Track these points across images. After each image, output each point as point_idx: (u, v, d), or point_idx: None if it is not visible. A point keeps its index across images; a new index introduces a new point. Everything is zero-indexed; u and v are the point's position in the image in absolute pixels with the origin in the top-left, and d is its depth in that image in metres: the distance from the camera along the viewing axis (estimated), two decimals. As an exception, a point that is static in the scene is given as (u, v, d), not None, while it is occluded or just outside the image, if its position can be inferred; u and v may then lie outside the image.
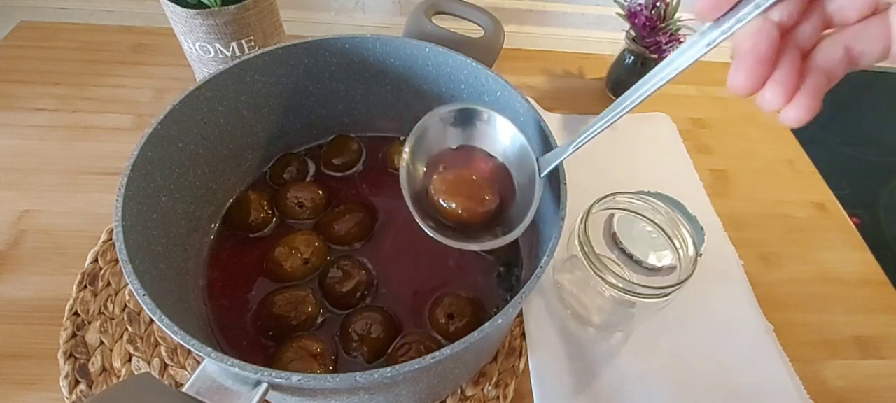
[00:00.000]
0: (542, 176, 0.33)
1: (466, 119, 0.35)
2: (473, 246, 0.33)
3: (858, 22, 0.19)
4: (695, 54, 0.23)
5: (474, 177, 0.35)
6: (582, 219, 0.38)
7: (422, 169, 0.35)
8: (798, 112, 0.20)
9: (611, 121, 0.28)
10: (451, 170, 0.35)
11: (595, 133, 0.29)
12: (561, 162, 0.32)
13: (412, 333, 0.37)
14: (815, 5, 0.20)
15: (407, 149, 0.34)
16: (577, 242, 0.37)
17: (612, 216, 0.42)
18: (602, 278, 0.36)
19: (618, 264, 0.42)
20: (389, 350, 0.36)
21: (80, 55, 0.61)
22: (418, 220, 0.32)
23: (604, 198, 0.39)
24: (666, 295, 0.35)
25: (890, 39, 0.19)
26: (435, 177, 0.34)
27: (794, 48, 0.20)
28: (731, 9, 0.20)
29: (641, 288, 0.35)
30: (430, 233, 0.32)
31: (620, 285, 0.35)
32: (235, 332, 0.37)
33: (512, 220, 0.34)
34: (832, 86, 0.20)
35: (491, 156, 0.35)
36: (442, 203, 0.34)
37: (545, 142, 0.35)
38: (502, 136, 0.35)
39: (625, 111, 0.27)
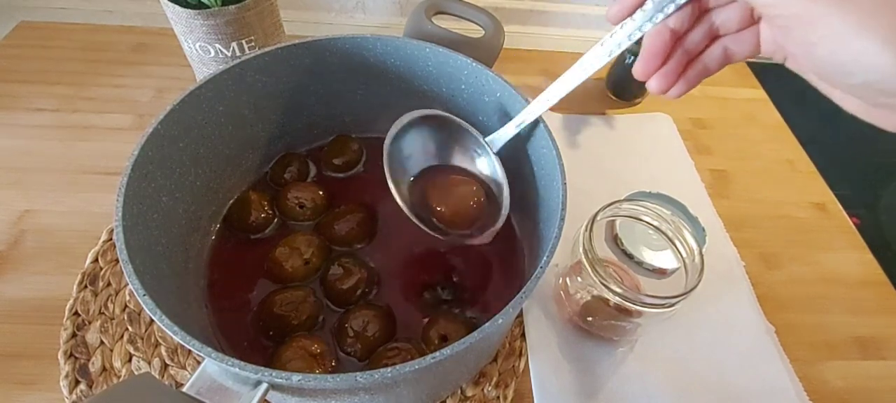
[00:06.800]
0: (494, 152, 0.38)
1: (435, 121, 0.39)
2: (470, 240, 0.37)
3: (737, 31, 0.27)
4: (606, 54, 0.30)
5: (459, 188, 0.40)
6: (587, 227, 0.38)
7: (408, 179, 0.40)
8: (675, 92, 0.29)
9: (535, 113, 0.36)
10: (437, 183, 0.40)
11: (531, 116, 0.36)
12: (507, 140, 0.38)
13: (404, 340, 0.37)
14: (703, 18, 0.27)
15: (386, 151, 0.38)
16: (581, 250, 0.37)
17: (614, 220, 0.42)
18: (607, 287, 0.36)
19: (621, 267, 0.42)
20: (379, 350, 0.36)
21: (80, 55, 0.61)
22: (417, 222, 0.37)
23: (609, 205, 0.39)
24: (672, 305, 0.35)
25: (759, 43, 0.26)
26: (428, 189, 0.39)
27: (682, 51, 0.28)
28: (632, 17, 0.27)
29: (647, 298, 0.35)
30: (425, 229, 0.37)
31: (627, 295, 0.35)
32: (236, 332, 0.37)
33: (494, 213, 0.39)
34: (709, 76, 0.29)
35: (463, 169, 0.40)
36: (438, 209, 0.38)
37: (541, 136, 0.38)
38: (465, 141, 0.40)
39: (547, 106, 0.35)
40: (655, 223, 0.40)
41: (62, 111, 0.55)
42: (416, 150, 0.40)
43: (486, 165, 0.39)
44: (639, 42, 0.61)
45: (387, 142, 0.38)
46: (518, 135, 0.41)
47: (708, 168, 0.58)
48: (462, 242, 0.37)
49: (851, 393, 0.42)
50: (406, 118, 0.38)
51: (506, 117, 0.40)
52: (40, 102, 0.55)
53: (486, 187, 0.39)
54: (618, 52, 0.29)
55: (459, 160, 0.40)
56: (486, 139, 0.38)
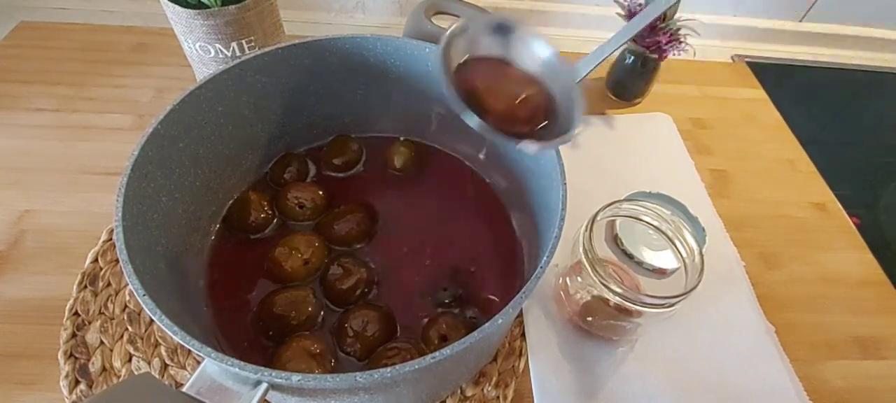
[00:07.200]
0: (577, 82, 0.33)
1: (504, 32, 0.34)
2: (526, 146, 0.31)
3: None
4: None
5: (517, 80, 0.34)
6: (587, 227, 0.38)
7: (457, 63, 0.34)
8: None
9: (627, 37, 0.33)
10: (495, 72, 0.34)
11: (618, 46, 0.33)
12: (593, 67, 0.34)
13: (403, 340, 0.37)
14: None
15: (444, 41, 0.32)
16: (581, 250, 0.37)
17: (614, 220, 0.42)
18: (607, 287, 0.36)
19: (621, 267, 0.42)
20: (379, 350, 0.36)
21: (80, 55, 0.61)
22: (464, 114, 0.31)
23: (609, 205, 0.39)
24: (672, 305, 0.35)
25: None
26: (479, 77, 0.34)
27: None
28: None
29: (647, 298, 0.35)
30: (473, 125, 0.31)
31: (627, 295, 0.35)
32: (235, 332, 0.37)
33: (555, 131, 0.33)
34: None
35: (528, 70, 0.35)
36: (490, 99, 0.33)
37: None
38: (537, 52, 0.34)
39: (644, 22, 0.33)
40: (655, 223, 0.40)
41: (62, 111, 0.55)
42: (480, 43, 0.34)
43: (559, 86, 0.34)
44: (637, 41, 0.61)
45: (453, 28, 0.33)
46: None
47: (708, 168, 0.58)
48: (511, 142, 0.31)
49: (851, 393, 0.42)
50: (483, 20, 0.34)
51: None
52: (40, 102, 0.55)
53: (547, 98, 0.34)
54: None
55: (527, 65, 0.35)
56: (573, 67, 0.34)
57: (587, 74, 0.34)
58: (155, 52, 0.62)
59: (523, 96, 0.33)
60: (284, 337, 0.36)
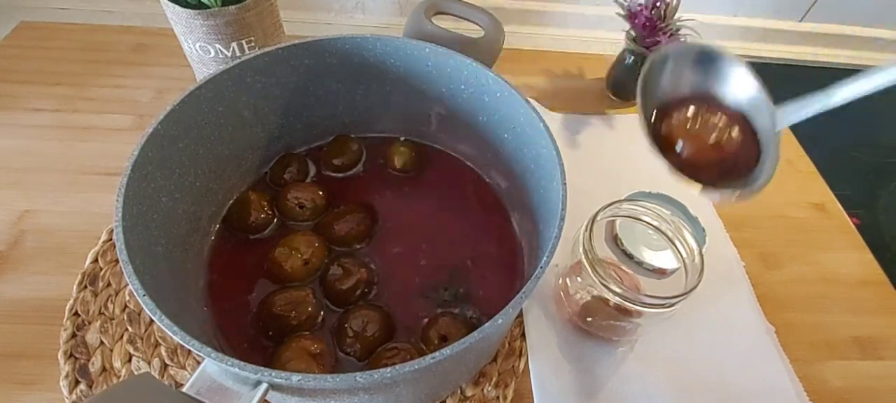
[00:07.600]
0: (776, 130, 0.31)
1: (704, 61, 0.33)
2: (708, 194, 0.31)
3: None
4: None
5: (719, 122, 0.33)
6: (587, 227, 0.38)
7: (653, 107, 0.34)
8: None
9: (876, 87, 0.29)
10: (690, 114, 0.33)
11: (856, 94, 0.30)
12: (803, 117, 0.30)
13: (403, 340, 0.37)
14: None
15: (644, 73, 0.32)
16: (581, 250, 0.37)
17: (614, 220, 0.42)
18: (607, 287, 0.36)
19: (621, 267, 0.42)
20: (379, 350, 0.36)
21: (80, 55, 0.61)
22: (660, 159, 0.32)
23: (609, 205, 0.39)
24: (672, 305, 0.35)
25: None
26: (675, 118, 0.33)
27: None
28: None
29: (647, 298, 0.35)
30: (668, 171, 0.31)
31: (627, 295, 0.35)
32: (235, 333, 0.37)
33: (746, 173, 0.31)
34: None
35: (726, 104, 0.33)
36: (681, 146, 0.32)
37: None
38: (742, 87, 0.32)
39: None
40: (655, 223, 0.40)
41: (62, 111, 0.55)
42: (682, 76, 0.33)
43: (759, 126, 0.32)
44: (637, 41, 0.61)
45: (653, 57, 0.32)
46: (521, 133, 0.41)
47: (708, 168, 0.57)
48: (696, 189, 0.30)
49: (851, 393, 0.42)
50: (684, 49, 0.32)
51: (513, 119, 0.40)
52: (40, 102, 0.55)
53: (751, 143, 0.32)
54: None
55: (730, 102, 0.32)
56: (777, 110, 0.31)
57: (790, 124, 0.30)
58: (155, 52, 0.62)
59: (723, 142, 0.32)
60: (284, 337, 0.36)
